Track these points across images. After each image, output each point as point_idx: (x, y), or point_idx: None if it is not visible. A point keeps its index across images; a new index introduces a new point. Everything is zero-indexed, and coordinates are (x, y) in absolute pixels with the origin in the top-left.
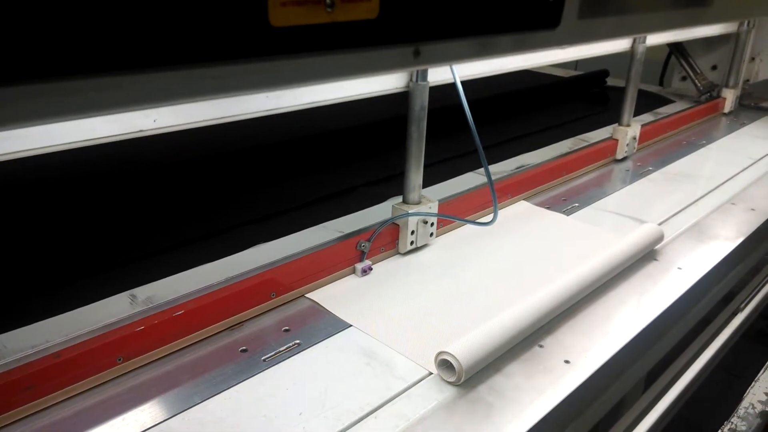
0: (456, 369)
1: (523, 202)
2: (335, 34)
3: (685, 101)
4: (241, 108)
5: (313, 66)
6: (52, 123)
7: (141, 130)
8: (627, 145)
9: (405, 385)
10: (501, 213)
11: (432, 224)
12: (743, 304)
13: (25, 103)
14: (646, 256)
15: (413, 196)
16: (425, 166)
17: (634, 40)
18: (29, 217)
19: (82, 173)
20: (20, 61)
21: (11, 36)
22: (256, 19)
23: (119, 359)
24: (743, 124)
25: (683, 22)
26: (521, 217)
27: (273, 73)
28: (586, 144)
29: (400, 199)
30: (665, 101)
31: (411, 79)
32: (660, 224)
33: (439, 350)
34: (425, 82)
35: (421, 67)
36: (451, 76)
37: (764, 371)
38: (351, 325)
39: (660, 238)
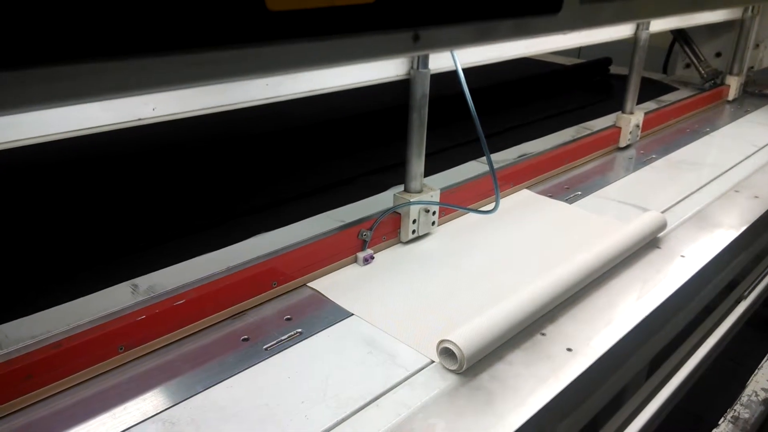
0: (458, 357)
1: (525, 190)
2: (333, 19)
3: (689, 89)
4: (241, 96)
5: (311, 51)
6: (41, 110)
7: (140, 119)
8: (630, 132)
9: (407, 374)
10: (503, 201)
11: (434, 213)
12: (747, 292)
13: (12, 89)
14: (649, 244)
15: (415, 184)
16: (428, 155)
17: (637, 27)
18: (29, 208)
19: (83, 163)
20: (7, 47)
21: None
22: (254, 3)
23: (121, 348)
24: (747, 112)
25: (687, 7)
26: (523, 205)
27: (270, 58)
28: (588, 132)
29: (401, 187)
30: (669, 89)
31: (412, 67)
32: (663, 212)
33: (440, 338)
34: (426, 70)
35: (420, 53)
36: (453, 64)
37: (767, 359)
38: (353, 314)
39: (663, 226)
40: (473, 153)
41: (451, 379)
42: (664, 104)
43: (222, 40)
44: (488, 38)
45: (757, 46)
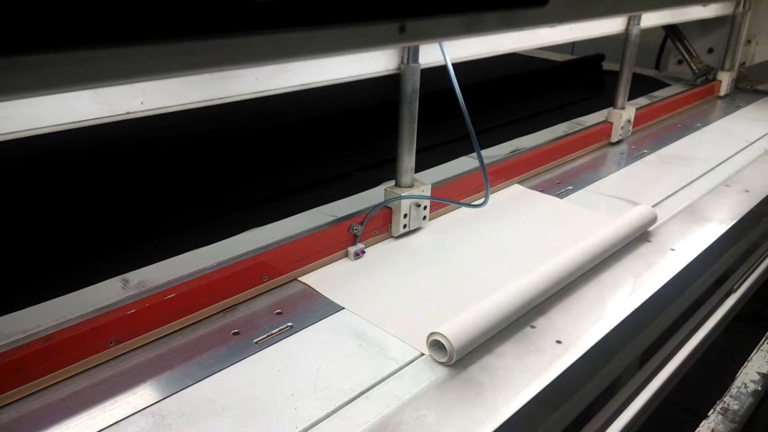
0: (447, 349)
1: (517, 185)
2: (319, 9)
3: (681, 84)
4: (231, 90)
5: (297, 42)
6: (29, 97)
7: (128, 113)
8: (622, 128)
9: (397, 366)
10: (495, 196)
11: (425, 207)
12: (736, 285)
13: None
14: (639, 237)
15: (406, 179)
16: (420, 151)
17: (629, 22)
18: (19, 203)
19: (73, 158)
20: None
21: None
22: None
23: (111, 342)
24: (739, 107)
25: (677, 0)
26: (515, 200)
27: (257, 48)
28: (580, 127)
29: (393, 182)
30: (661, 85)
31: (402, 61)
32: (654, 206)
33: (430, 331)
34: (416, 64)
35: (407, 44)
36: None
37: (757, 351)
38: (343, 308)
39: (653, 220)
40: (466, 148)
41: (441, 372)
42: (656, 100)
43: (210, 30)
44: (475, 30)
45: (748, 42)
